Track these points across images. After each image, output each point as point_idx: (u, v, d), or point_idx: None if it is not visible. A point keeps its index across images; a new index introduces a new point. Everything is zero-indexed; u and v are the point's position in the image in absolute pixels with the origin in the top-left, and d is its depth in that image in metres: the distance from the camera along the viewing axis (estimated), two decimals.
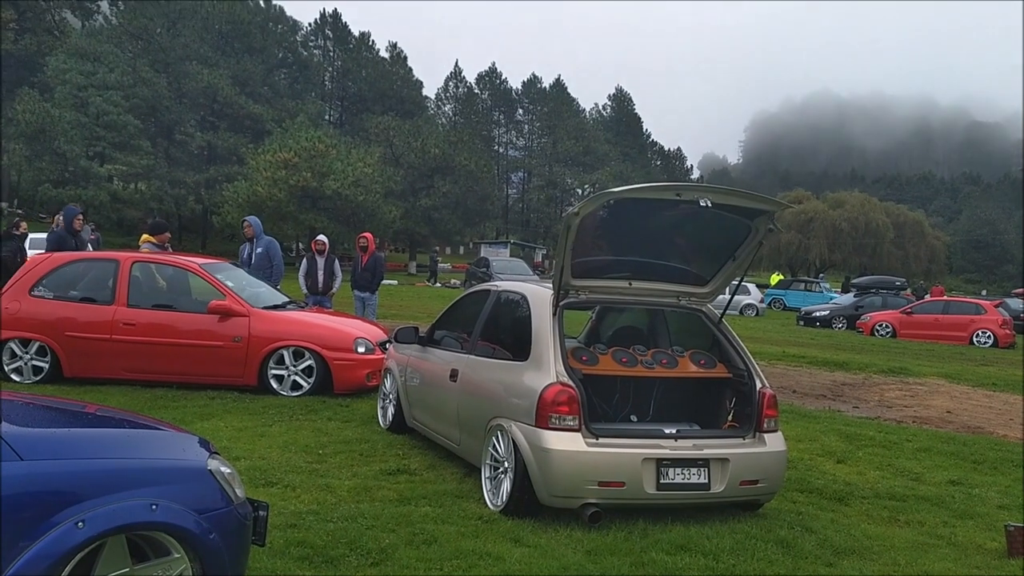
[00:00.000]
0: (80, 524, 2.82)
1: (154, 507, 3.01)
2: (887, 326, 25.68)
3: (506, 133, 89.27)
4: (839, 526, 5.48)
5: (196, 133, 54.83)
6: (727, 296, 6.28)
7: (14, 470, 2.77)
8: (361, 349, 9.02)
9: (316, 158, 46.64)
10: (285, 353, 8.86)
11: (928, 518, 5.80)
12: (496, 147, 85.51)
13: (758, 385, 5.54)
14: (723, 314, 5.96)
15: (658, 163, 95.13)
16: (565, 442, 4.99)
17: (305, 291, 12.21)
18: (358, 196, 47.00)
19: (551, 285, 5.66)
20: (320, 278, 12.14)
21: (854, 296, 31.87)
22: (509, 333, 5.93)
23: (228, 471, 3.44)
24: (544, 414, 5.03)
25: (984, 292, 70.18)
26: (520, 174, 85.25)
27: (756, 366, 5.68)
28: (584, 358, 5.58)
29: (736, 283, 6.03)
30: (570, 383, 5.10)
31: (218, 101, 56.38)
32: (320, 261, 12.20)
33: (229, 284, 9.14)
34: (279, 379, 8.87)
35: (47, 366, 8.82)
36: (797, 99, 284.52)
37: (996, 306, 25.97)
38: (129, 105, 49.20)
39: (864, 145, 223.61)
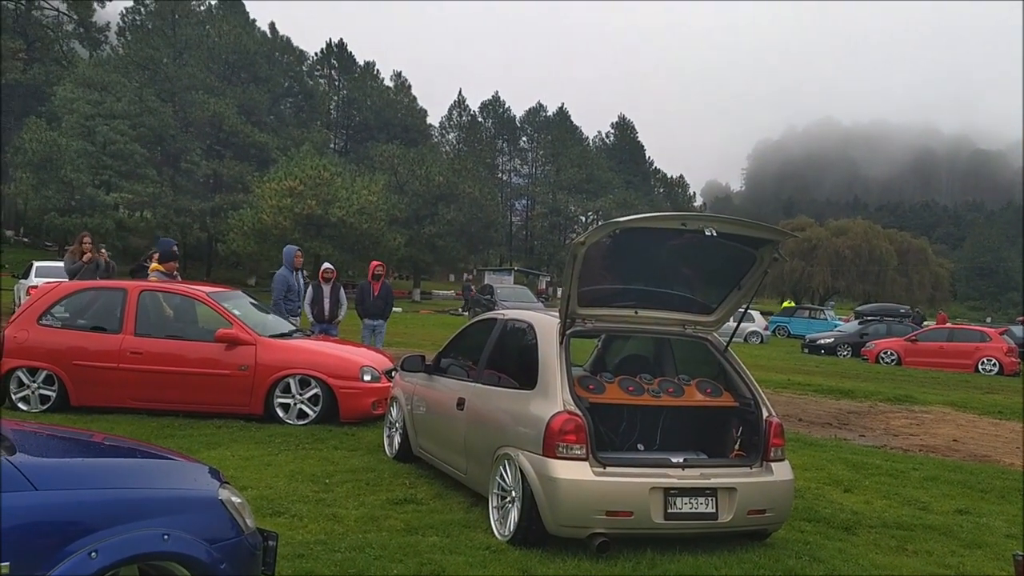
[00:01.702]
0: (93, 554, 2.84)
1: (166, 537, 3.02)
2: (892, 354, 25.61)
3: (509, 161, 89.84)
4: (847, 556, 5.46)
5: (202, 161, 55.20)
6: (733, 324, 6.29)
7: (29, 500, 2.80)
8: (367, 377, 9.04)
9: (321, 186, 46.99)
10: (291, 381, 8.88)
11: (936, 548, 5.78)
12: (500, 174, 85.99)
13: (764, 414, 5.55)
14: (729, 342, 5.99)
15: (661, 191, 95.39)
16: (573, 471, 5.00)
17: (311, 319, 12.26)
18: (363, 223, 47.28)
19: (557, 313, 5.71)
20: (326, 306, 12.18)
21: (859, 323, 31.83)
22: (516, 362, 5.95)
23: (238, 501, 3.46)
24: (551, 443, 5.04)
25: (989, 319, 70.09)
26: (523, 201, 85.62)
27: (762, 394, 5.69)
28: (591, 387, 5.60)
29: (742, 311, 6.05)
30: (577, 412, 5.11)
31: (224, 130, 56.84)
32: (326, 289, 12.25)
33: (236, 313, 9.18)
34: (285, 408, 8.88)
35: (54, 395, 8.84)
36: (800, 127, 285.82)
37: (1001, 334, 25.90)
38: (136, 134, 49.65)
39: (867, 173, 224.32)
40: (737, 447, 5.64)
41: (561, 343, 5.41)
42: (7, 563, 2.67)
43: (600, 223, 5.11)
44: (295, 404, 8.88)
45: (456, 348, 7.04)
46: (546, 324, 5.67)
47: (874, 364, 25.19)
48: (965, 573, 5.27)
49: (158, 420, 8.64)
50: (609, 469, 5.08)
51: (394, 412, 7.64)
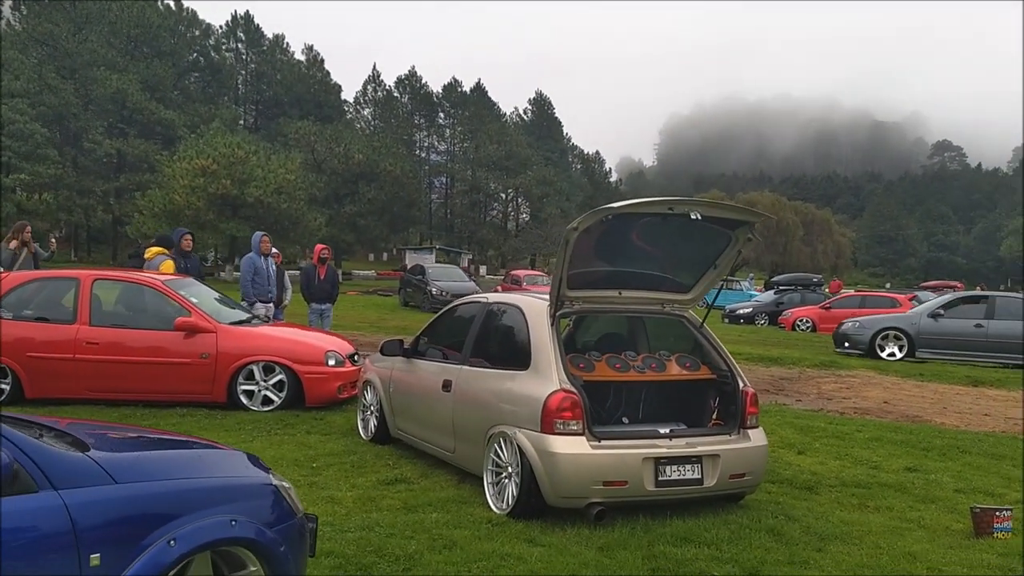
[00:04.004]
0: (172, 543, 2.93)
1: (234, 523, 3.13)
2: (807, 321, 26.76)
3: (427, 137, 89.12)
4: (816, 514, 5.88)
5: (104, 140, 53.13)
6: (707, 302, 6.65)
7: (110, 493, 2.87)
8: (332, 362, 9.08)
9: (236, 164, 45.83)
10: (255, 368, 8.85)
11: (895, 503, 6.26)
12: (418, 152, 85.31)
13: (740, 385, 5.90)
14: (705, 319, 6.32)
15: (578, 167, 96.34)
16: (571, 446, 5.25)
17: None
18: (281, 203, 46.39)
19: (543, 296, 5.94)
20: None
21: (774, 293, 33.11)
22: (505, 343, 6.14)
23: (287, 485, 3.58)
24: (549, 420, 5.28)
25: (888, 285, 73.60)
26: (442, 179, 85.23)
27: (737, 367, 6.04)
28: (581, 365, 5.85)
29: (716, 290, 6.39)
30: (573, 389, 5.35)
31: (127, 107, 54.84)
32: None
33: (194, 300, 9.08)
34: (249, 395, 8.86)
35: (8, 388, 8.61)
36: (708, 102, 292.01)
37: (911, 299, 27.35)
38: (35, 113, 47.49)
39: (772, 147, 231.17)
40: (714, 416, 5.99)
41: (552, 324, 5.64)
42: (97, 555, 2.75)
43: (593, 209, 5.34)
44: (260, 391, 8.86)
45: (437, 332, 7.17)
46: (535, 306, 5.88)
47: (791, 332, 26.29)
48: (926, 525, 5.75)
49: (119, 410, 8.52)
50: (604, 442, 5.35)
51: (368, 396, 7.73)
